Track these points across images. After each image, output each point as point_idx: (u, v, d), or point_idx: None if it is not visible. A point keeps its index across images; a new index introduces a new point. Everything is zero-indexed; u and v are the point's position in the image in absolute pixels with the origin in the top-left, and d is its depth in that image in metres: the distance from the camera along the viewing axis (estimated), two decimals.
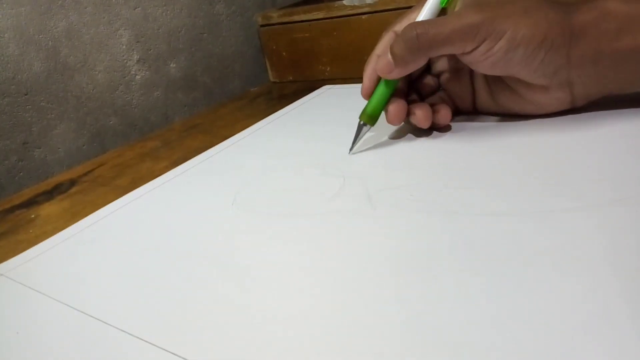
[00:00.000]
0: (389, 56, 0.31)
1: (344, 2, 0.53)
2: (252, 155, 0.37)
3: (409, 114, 0.33)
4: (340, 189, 0.29)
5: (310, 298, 0.20)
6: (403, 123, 0.34)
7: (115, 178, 0.40)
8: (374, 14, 0.51)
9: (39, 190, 0.40)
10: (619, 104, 0.31)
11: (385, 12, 0.50)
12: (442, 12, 0.32)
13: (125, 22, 0.52)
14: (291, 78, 0.61)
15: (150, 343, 0.20)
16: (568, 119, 0.32)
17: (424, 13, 0.31)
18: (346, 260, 0.22)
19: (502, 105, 0.33)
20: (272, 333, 0.19)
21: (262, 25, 0.60)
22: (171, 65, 0.56)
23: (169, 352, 0.19)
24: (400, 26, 0.32)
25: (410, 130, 0.35)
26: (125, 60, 0.52)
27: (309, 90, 0.52)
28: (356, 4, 0.52)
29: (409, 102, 0.33)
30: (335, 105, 0.46)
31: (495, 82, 0.32)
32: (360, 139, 0.33)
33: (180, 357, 0.19)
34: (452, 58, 0.33)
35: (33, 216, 0.35)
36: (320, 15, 0.55)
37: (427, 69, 0.36)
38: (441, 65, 0.35)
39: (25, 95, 0.44)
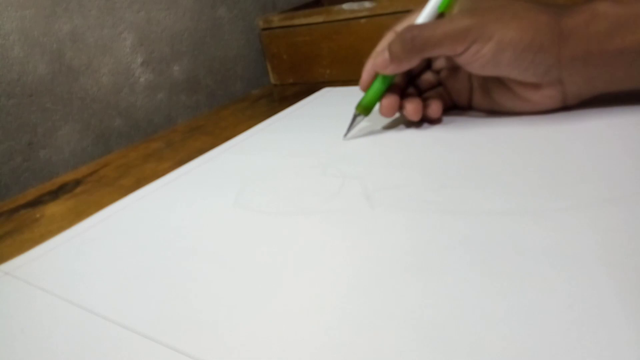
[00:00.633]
0: (386, 53, 0.33)
1: (344, 6, 0.53)
2: (254, 156, 0.38)
3: (401, 107, 0.35)
4: (340, 188, 0.29)
5: (310, 296, 0.21)
6: (398, 116, 0.37)
7: (119, 178, 0.40)
8: (373, 17, 0.51)
9: (44, 190, 0.41)
10: (611, 102, 0.32)
11: (384, 16, 0.51)
12: (440, 16, 0.33)
13: (129, 25, 0.52)
14: (292, 80, 0.62)
15: (154, 340, 0.20)
16: (562, 115, 0.32)
17: (422, 16, 0.33)
18: (345, 259, 0.23)
19: (496, 102, 0.34)
20: (272, 330, 0.19)
21: (263, 29, 0.61)
22: (174, 67, 0.57)
23: (173, 349, 0.19)
24: (400, 27, 0.34)
25: (404, 122, 0.37)
26: (129, 63, 0.53)
27: (309, 93, 0.53)
28: (355, 8, 0.52)
29: (405, 97, 0.35)
30: (335, 107, 0.46)
31: (491, 79, 0.34)
32: (354, 127, 0.37)
33: (184, 354, 0.19)
34: (450, 57, 0.34)
35: (38, 216, 0.36)
36: (320, 19, 0.55)
37: (428, 65, 0.37)
38: (441, 62, 0.37)
39: (30, 96, 0.45)
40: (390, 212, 0.26)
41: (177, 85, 0.57)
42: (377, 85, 0.35)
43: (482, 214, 0.24)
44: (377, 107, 0.36)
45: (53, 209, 0.37)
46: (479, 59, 0.30)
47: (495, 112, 0.35)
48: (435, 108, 0.35)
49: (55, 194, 0.40)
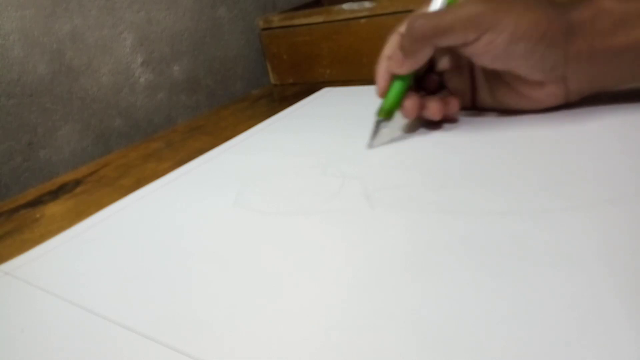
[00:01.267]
0: (399, 53, 0.32)
1: (344, 6, 0.53)
2: (254, 156, 0.38)
3: (422, 108, 0.34)
4: (340, 188, 0.29)
5: (310, 296, 0.21)
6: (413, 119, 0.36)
7: (119, 178, 0.40)
8: (373, 17, 0.51)
9: (44, 190, 0.41)
10: (611, 101, 0.32)
11: (384, 16, 0.50)
12: None
13: (129, 25, 0.52)
14: (292, 80, 0.62)
15: (154, 340, 0.20)
16: (562, 115, 0.32)
17: (432, 8, 0.33)
18: (345, 259, 0.23)
19: (499, 101, 0.34)
20: (272, 330, 0.19)
21: (263, 29, 0.61)
22: (174, 67, 0.57)
23: (173, 349, 0.19)
24: (404, 28, 0.33)
25: (418, 123, 0.37)
26: (129, 63, 0.53)
27: (309, 93, 0.53)
28: (355, 8, 0.52)
29: (420, 98, 0.35)
30: (335, 107, 0.46)
31: (494, 78, 0.34)
32: (378, 134, 0.35)
33: (184, 354, 0.19)
34: (454, 56, 0.34)
35: (38, 216, 0.36)
36: (320, 19, 0.55)
37: (430, 68, 0.37)
38: (443, 63, 0.36)
39: (30, 96, 0.45)
40: (390, 212, 0.26)
41: (177, 85, 0.57)
42: (397, 88, 0.34)
43: (482, 214, 0.24)
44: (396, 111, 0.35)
45: (53, 209, 0.37)
46: (491, 50, 0.30)
47: (495, 111, 0.35)
48: (453, 104, 0.35)
49: (55, 194, 0.40)
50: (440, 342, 0.17)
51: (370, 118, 0.37)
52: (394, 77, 0.34)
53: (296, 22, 0.57)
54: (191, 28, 0.58)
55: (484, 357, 0.16)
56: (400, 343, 0.17)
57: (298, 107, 0.49)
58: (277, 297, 0.21)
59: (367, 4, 0.51)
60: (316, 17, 0.55)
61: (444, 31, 0.30)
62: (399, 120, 0.38)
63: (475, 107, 0.37)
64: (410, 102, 0.34)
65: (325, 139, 0.38)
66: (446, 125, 0.36)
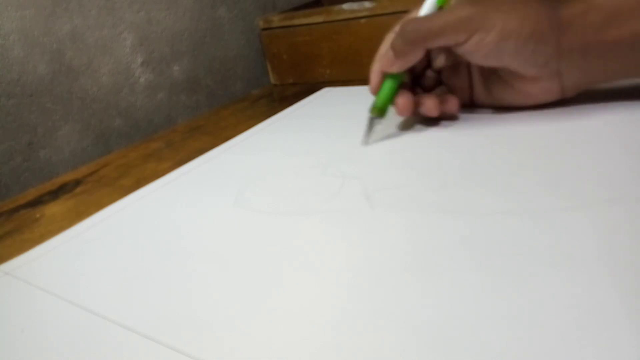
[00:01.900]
0: (391, 52, 0.33)
1: (344, 6, 0.53)
2: (254, 156, 0.38)
3: (418, 105, 0.35)
4: (340, 188, 0.29)
5: (310, 296, 0.21)
6: (405, 118, 0.36)
7: (119, 178, 0.40)
8: (373, 17, 0.51)
9: (44, 190, 0.41)
10: (610, 99, 0.32)
11: (384, 16, 0.51)
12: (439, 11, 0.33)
13: (129, 25, 0.52)
14: (292, 80, 0.62)
15: (154, 340, 0.20)
16: (562, 114, 0.32)
17: (423, 12, 0.34)
18: (345, 259, 0.23)
19: (496, 97, 0.35)
20: (272, 330, 0.19)
21: (263, 29, 0.61)
22: (174, 67, 0.57)
23: (173, 349, 0.19)
24: None
25: (417, 122, 0.37)
26: (129, 63, 0.53)
27: (309, 93, 0.53)
28: (355, 8, 0.52)
29: (416, 95, 0.35)
30: (335, 107, 0.46)
31: (490, 75, 0.34)
32: (372, 131, 0.36)
33: (184, 354, 0.19)
34: (451, 54, 0.34)
35: (38, 216, 0.36)
36: (320, 19, 0.55)
37: (428, 65, 0.37)
38: (440, 61, 0.37)
39: (30, 96, 0.45)
40: (390, 212, 0.26)
41: (177, 85, 0.58)
42: (388, 86, 0.35)
43: (482, 214, 0.24)
44: (388, 108, 0.36)
45: (53, 209, 0.37)
46: (481, 48, 0.31)
47: (495, 109, 0.35)
48: (452, 102, 0.35)
49: (55, 194, 0.40)
50: (440, 342, 0.17)
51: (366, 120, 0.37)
52: (385, 76, 0.35)
53: (296, 22, 0.57)
54: (191, 28, 0.58)
55: (484, 357, 0.16)
56: (400, 343, 0.17)
57: (298, 107, 0.49)
58: (277, 297, 0.21)
59: (367, 4, 0.51)
60: (316, 17, 0.55)
61: (435, 34, 0.31)
62: (396, 118, 0.38)
63: (473, 104, 0.37)
64: (403, 100, 0.34)
65: (325, 139, 0.38)
66: (445, 123, 0.36)
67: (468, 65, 0.35)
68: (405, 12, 0.36)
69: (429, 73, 0.38)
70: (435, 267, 0.21)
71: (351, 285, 0.21)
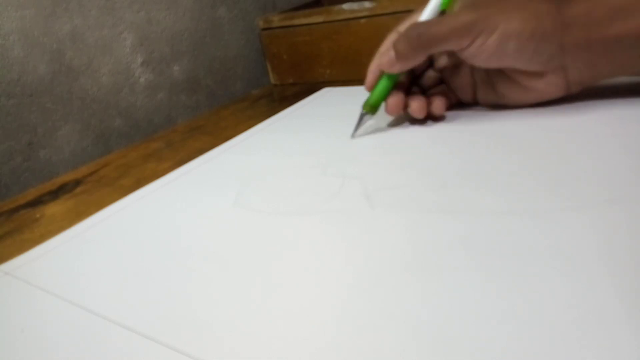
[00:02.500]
0: (392, 53, 0.33)
1: (344, 6, 0.53)
2: (254, 156, 0.38)
3: (406, 105, 0.35)
4: (340, 188, 0.29)
5: (310, 296, 0.21)
6: (399, 115, 0.37)
7: (119, 178, 0.40)
8: (373, 17, 0.52)
9: (44, 190, 0.41)
10: (611, 97, 0.32)
11: (384, 16, 0.51)
12: (442, 14, 0.34)
13: (129, 25, 0.52)
14: (292, 80, 0.62)
15: (154, 340, 0.20)
16: (562, 114, 0.32)
17: (425, 15, 0.34)
18: (345, 259, 0.23)
19: (501, 95, 0.35)
20: (272, 330, 0.19)
21: (263, 29, 0.61)
22: (174, 67, 0.57)
23: (173, 349, 0.19)
24: (403, 27, 0.34)
25: (404, 121, 0.38)
26: (129, 63, 0.53)
27: (309, 93, 0.53)
28: (355, 8, 0.52)
29: (409, 95, 0.36)
30: (335, 107, 0.46)
31: (494, 73, 0.34)
32: (361, 125, 0.37)
33: (184, 354, 0.19)
34: (453, 54, 0.35)
35: (38, 216, 0.36)
36: (320, 19, 0.55)
37: (430, 64, 0.37)
38: (443, 61, 0.37)
39: (30, 96, 0.45)
40: (390, 212, 0.26)
41: (177, 85, 0.58)
42: (383, 84, 0.35)
43: (482, 214, 0.24)
44: (380, 105, 0.36)
45: (53, 209, 0.37)
46: (483, 51, 0.31)
47: (497, 108, 0.35)
48: (438, 105, 0.35)
49: (55, 194, 0.40)
50: (440, 342, 0.17)
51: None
52: (382, 74, 0.35)
53: (296, 22, 0.57)
54: (191, 28, 0.58)
55: (484, 357, 0.16)
56: (400, 343, 0.17)
57: (298, 107, 0.49)
58: (277, 297, 0.21)
59: (367, 4, 0.51)
60: (316, 17, 0.55)
61: (440, 41, 0.32)
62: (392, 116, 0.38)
63: (475, 103, 0.37)
64: (393, 100, 0.35)
65: (326, 139, 0.38)
66: (446, 125, 0.36)
67: (470, 64, 0.35)
68: (405, 12, 0.36)
69: (430, 72, 0.38)
70: (435, 267, 0.21)
71: (351, 285, 0.21)
